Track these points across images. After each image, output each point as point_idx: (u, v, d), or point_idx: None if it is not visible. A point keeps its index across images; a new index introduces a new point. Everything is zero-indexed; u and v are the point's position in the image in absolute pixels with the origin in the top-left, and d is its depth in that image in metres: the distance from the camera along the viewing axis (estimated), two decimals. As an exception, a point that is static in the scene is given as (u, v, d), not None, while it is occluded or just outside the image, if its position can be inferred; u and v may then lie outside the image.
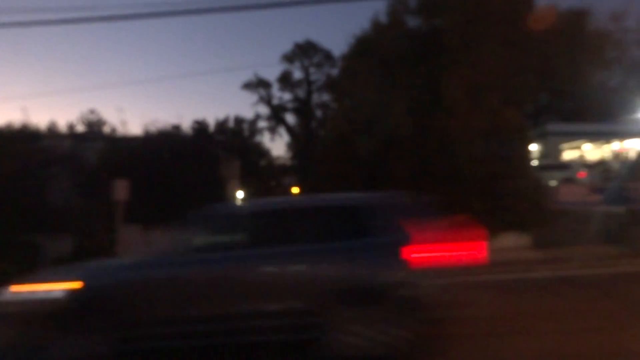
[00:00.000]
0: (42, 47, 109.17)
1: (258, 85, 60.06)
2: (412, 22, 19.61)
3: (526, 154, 13.04)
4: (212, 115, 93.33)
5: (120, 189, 11.17)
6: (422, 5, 18.70)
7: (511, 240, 12.95)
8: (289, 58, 58.48)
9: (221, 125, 55.28)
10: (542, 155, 36.28)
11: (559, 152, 35.97)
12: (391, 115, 13.78)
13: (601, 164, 36.46)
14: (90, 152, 17.12)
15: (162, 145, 19.91)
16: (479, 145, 12.90)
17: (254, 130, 58.38)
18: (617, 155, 37.39)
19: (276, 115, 60.48)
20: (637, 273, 9.49)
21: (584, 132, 36.74)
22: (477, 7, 15.63)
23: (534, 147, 39.31)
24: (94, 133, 30.91)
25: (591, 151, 40.13)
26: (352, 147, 14.04)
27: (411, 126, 13.34)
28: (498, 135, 13.21)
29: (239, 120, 57.01)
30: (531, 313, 6.62)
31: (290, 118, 59.24)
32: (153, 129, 21.73)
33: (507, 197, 12.82)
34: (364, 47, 20.85)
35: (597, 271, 9.92)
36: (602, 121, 43.02)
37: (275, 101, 60.53)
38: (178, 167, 17.53)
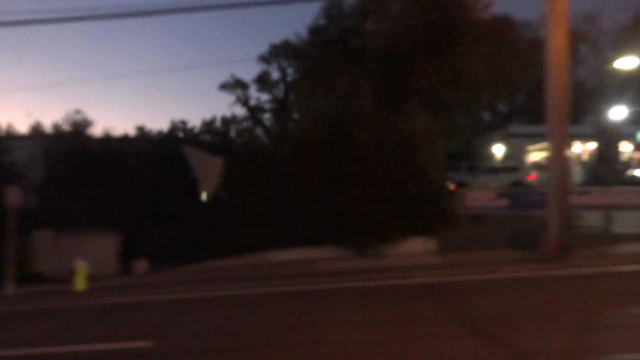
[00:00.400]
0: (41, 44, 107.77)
1: (235, 86, 60.08)
2: (347, 23, 19.83)
3: (434, 160, 13.12)
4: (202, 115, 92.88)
5: (12, 196, 11.21)
6: (355, 10, 18.90)
7: (418, 245, 13.09)
8: (265, 59, 58.51)
9: (208, 125, 55.45)
10: (506, 157, 36.53)
11: (522, 153, 36.12)
12: (307, 121, 13.92)
13: None
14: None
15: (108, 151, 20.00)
16: (387, 150, 13.03)
17: (241, 130, 58.67)
18: (578, 157, 37.68)
19: (253, 116, 60.54)
20: (517, 279, 9.59)
21: (543, 134, 36.86)
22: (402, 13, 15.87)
23: (499, 149, 39.62)
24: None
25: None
26: (269, 152, 14.20)
27: (322, 131, 13.45)
28: (409, 141, 13.35)
29: (226, 121, 57.18)
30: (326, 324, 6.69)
31: (269, 119, 59.36)
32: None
33: (413, 203, 12.95)
34: (297, 53, 21.13)
35: (481, 277, 10.03)
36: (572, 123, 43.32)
37: (253, 102, 60.45)
38: (136, 172, 17.57)
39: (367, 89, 13.39)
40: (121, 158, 20.08)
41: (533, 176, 24.97)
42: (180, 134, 49.82)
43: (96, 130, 33.52)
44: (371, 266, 11.90)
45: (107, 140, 30.19)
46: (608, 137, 32.95)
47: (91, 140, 30.14)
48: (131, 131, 37.69)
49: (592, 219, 13.68)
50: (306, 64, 21.54)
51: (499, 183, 23.27)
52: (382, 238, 12.91)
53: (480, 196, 13.06)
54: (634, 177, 31.19)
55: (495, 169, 24.84)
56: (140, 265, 13.48)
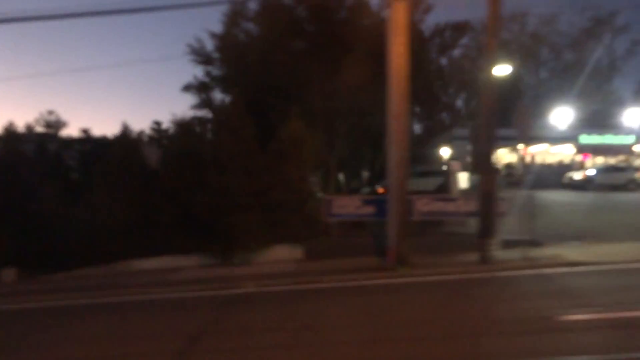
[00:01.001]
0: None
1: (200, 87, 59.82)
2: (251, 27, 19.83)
3: (303, 167, 13.13)
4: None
5: None
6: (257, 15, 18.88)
7: (284, 253, 13.07)
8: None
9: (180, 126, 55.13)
10: (451, 159, 36.76)
11: (465, 156, 36.37)
12: (178, 129, 13.85)
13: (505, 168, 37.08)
14: None
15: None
16: (252, 158, 13.00)
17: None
18: (522, 159, 37.95)
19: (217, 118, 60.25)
20: (332, 289, 9.63)
21: (491, 137, 37.14)
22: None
23: (446, 151, 39.89)
24: None
25: (503, 155, 40.66)
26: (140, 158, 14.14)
27: (191, 140, 13.41)
28: (277, 149, 13.35)
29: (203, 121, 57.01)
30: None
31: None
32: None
33: (278, 210, 12.94)
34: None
35: (302, 287, 9.89)
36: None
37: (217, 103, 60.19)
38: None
39: (238, 97, 13.37)
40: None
41: None
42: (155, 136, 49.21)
43: (72, 131, 33.59)
44: (230, 274, 11.88)
45: (43, 143, 29.76)
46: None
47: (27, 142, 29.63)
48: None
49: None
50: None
51: (425, 187, 23.51)
52: (247, 246, 12.88)
53: (347, 203, 13.07)
54: (571, 179, 31.54)
55: (423, 173, 24.83)
56: (8, 274, 13.35)
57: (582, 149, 36.67)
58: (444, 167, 25.63)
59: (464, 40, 33.68)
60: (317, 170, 15.13)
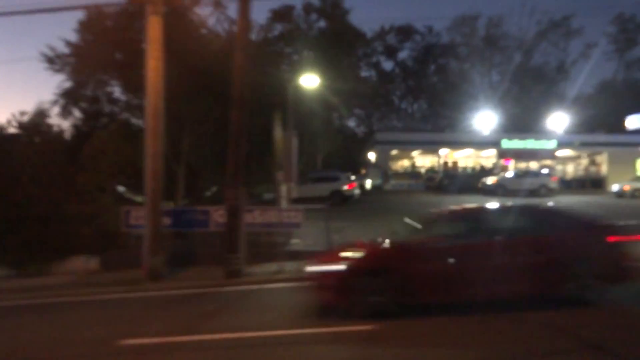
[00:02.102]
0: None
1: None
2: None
3: (98, 178, 13.16)
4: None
5: None
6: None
7: (79, 264, 13.10)
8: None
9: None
10: (375, 163, 36.94)
11: (388, 160, 36.57)
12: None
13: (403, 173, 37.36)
14: None
15: None
16: (46, 170, 13.02)
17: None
18: (445, 164, 38.27)
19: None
20: (48, 304, 9.62)
21: (412, 142, 37.45)
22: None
23: (371, 156, 40.06)
24: None
25: (421, 159, 40.96)
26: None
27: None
28: (80, 159, 13.37)
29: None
30: None
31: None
32: None
33: (72, 222, 12.97)
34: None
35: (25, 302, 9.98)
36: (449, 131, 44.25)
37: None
38: None
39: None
40: None
41: (353, 184, 25.15)
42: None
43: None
44: (20, 286, 11.89)
45: None
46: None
47: None
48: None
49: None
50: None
51: (318, 193, 23.59)
52: (43, 257, 12.90)
53: (144, 215, 13.10)
54: (484, 184, 31.71)
55: (318, 179, 24.89)
56: None
57: (504, 154, 36.92)
58: (334, 174, 25.69)
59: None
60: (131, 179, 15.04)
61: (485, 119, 38.76)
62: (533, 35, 52.23)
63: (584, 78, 54.55)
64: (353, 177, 26.37)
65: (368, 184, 31.00)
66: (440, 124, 49.73)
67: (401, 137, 37.65)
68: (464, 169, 37.78)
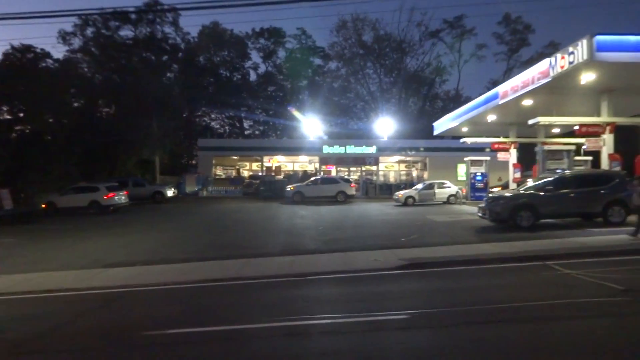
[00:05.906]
0: None
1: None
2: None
3: None
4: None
5: None
6: None
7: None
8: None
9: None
10: (199, 168, 36.65)
11: (210, 166, 36.48)
12: None
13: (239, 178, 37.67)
14: None
15: None
16: None
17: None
18: (266, 170, 38.85)
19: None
20: None
21: (234, 147, 37.65)
22: None
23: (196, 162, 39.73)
24: None
25: (248, 165, 41.45)
26: None
27: None
28: None
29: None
30: None
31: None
32: None
33: None
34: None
35: None
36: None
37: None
38: None
39: None
40: None
41: (112, 194, 24.33)
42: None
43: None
44: None
45: None
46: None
47: None
48: None
49: None
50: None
51: (79, 203, 23.18)
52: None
53: None
54: (286, 192, 31.55)
55: (80, 189, 24.25)
56: None
57: (326, 160, 38.04)
58: (94, 184, 25.20)
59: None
60: None
61: (310, 126, 39.73)
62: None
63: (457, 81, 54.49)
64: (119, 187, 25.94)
65: (169, 191, 30.63)
66: (271, 131, 49.42)
67: (224, 143, 37.62)
68: (288, 174, 38.38)
